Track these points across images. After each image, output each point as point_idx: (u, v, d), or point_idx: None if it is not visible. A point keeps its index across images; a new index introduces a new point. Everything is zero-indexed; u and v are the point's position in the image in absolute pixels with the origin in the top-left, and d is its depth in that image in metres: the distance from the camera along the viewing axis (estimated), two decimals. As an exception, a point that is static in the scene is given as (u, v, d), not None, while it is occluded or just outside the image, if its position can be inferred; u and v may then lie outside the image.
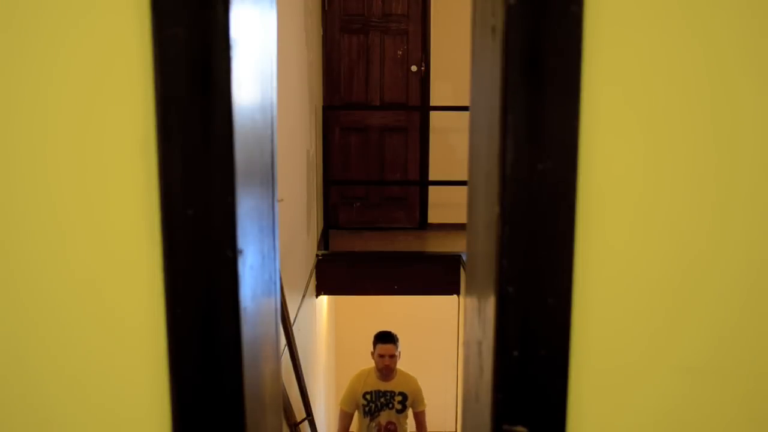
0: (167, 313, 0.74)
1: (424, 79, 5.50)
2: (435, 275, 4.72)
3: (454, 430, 5.64)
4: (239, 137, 0.72)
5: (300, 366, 3.23)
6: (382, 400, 4.41)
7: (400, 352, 4.37)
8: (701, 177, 0.73)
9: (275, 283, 0.89)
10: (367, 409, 4.43)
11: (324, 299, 5.44)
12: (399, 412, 4.43)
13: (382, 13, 5.44)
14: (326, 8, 5.36)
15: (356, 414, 4.46)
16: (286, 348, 3.05)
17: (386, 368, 4.30)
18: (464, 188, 0.93)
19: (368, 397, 4.41)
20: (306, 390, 3.42)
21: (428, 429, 4.55)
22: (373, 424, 4.45)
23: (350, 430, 4.52)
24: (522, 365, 0.74)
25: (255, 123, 0.78)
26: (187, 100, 0.70)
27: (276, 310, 0.90)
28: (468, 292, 0.91)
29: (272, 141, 0.87)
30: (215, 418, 0.76)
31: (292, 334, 3.07)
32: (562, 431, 0.76)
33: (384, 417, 4.43)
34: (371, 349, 4.39)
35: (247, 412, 0.77)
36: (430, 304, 5.60)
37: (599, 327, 0.75)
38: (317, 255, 4.75)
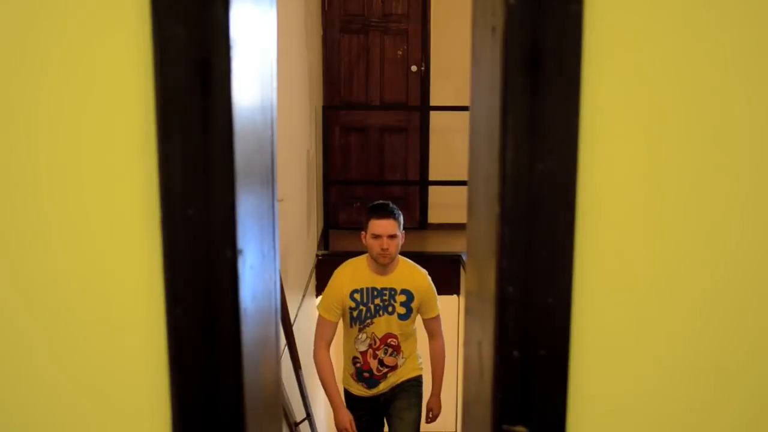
0: (167, 313, 0.74)
1: (424, 79, 5.50)
2: (435, 275, 4.69)
3: (454, 430, 5.64)
4: (239, 137, 0.72)
5: (300, 366, 3.23)
6: (378, 301, 3.09)
7: (404, 235, 3.11)
8: (701, 176, 0.73)
9: (275, 283, 0.89)
10: (355, 314, 3.09)
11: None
12: (402, 317, 3.11)
13: (382, 13, 5.44)
14: (326, 8, 5.36)
15: (342, 324, 3.20)
16: (286, 348, 3.05)
17: (384, 255, 2.99)
18: (464, 188, 0.93)
19: (357, 296, 3.08)
20: (306, 390, 3.41)
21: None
22: (364, 336, 3.14)
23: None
24: (522, 365, 0.74)
25: (255, 123, 0.78)
26: (187, 100, 0.70)
27: (276, 310, 0.90)
28: (468, 292, 0.91)
29: (272, 141, 0.87)
30: (215, 418, 0.76)
31: (292, 334, 3.07)
32: (562, 431, 0.76)
33: (380, 326, 3.12)
34: (362, 231, 3.10)
35: (247, 412, 0.77)
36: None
37: (599, 327, 0.75)
38: (317, 255, 4.75)
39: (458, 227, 5.14)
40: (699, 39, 0.71)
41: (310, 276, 4.48)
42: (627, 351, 0.76)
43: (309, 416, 3.42)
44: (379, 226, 3.01)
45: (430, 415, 3.32)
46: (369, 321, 3.11)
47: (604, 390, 0.77)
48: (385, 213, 3.04)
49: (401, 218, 3.09)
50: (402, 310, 3.11)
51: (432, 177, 5.47)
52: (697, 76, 0.72)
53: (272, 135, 0.87)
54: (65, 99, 0.72)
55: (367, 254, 3.12)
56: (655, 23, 0.71)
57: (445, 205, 5.47)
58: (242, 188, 0.73)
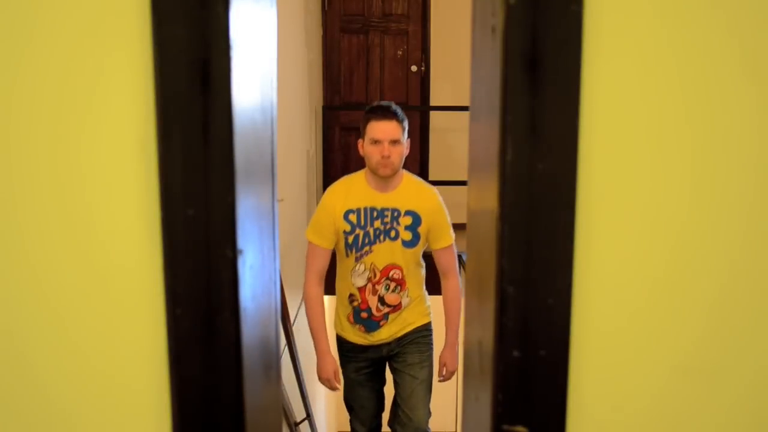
0: (167, 313, 0.74)
1: (424, 79, 5.51)
2: (435, 275, 4.69)
3: (454, 430, 5.64)
4: (239, 137, 0.72)
5: (300, 366, 3.24)
6: (378, 224, 2.51)
7: (409, 143, 2.51)
8: (700, 176, 0.73)
9: (275, 283, 0.89)
10: (351, 239, 2.52)
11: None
12: (408, 244, 2.54)
13: (382, 13, 5.45)
14: (326, 8, 5.36)
15: (339, 251, 2.60)
16: (286, 348, 3.05)
17: (384, 164, 2.42)
18: (464, 188, 0.93)
19: (353, 218, 2.50)
20: (306, 390, 3.42)
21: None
22: (362, 268, 2.57)
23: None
24: (522, 365, 0.74)
25: (255, 123, 0.78)
26: (187, 100, 0.70)
27: (276, 310, 0.90)
28: (468, 292, 0.91)
29: (272, 141, 0.87)
30: (215, 419, 0.76)
31: (292, 334, 3.08)
32: (562, 431, 0.76)
33: (381, 255, 2.54)
34: (360, 139, 2.52)
35: (247, 412, 0.77)
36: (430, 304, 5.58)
37: (599, 327, 0.75)
38: (317, 255, 4.73)
39: (458, 227, 5.14)
40: (699, 39, 0.71)
41: (310, 276, 4.46)
42: (627, 351, 0.76)
43: (309, 416, 3.43)
44: (379, 129, 2.42)
45: (444, 372, 2.71)
46: (368, 248, 2.53)
47: (604, 390, 0.77)
48: (387, 114, 2.42)
49: (406, 123, 2.48)
50: (407, 236, 2.53)
51: (432, 177, 5.47)
52: (697, 76, 0.72)
53: (272, 135, 0.87)
54: (65, 100, 0.72)
55: (365, 169, 2.53)
56: (655, 23, 0.71)
57: (445, 205, 5.47)
58: (242, 188, 0.73)
